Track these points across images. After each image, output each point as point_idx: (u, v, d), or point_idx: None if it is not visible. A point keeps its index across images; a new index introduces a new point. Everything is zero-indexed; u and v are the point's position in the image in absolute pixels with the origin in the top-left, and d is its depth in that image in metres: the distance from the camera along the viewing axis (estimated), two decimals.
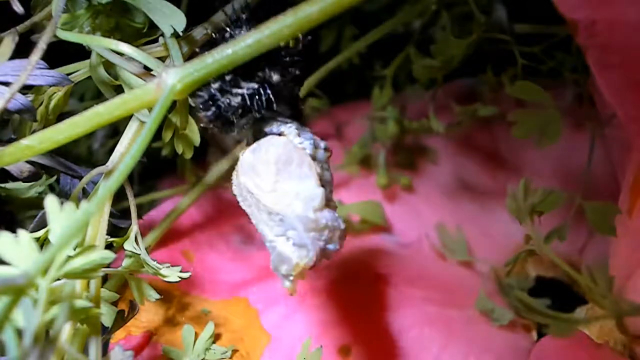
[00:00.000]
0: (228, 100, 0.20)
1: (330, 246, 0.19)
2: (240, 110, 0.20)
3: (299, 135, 0.21)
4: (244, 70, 0.20)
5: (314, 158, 0.21)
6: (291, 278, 0.19)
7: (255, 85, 0.20)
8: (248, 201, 0.21)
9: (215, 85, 0.20)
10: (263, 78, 0.20)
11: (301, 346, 0.24)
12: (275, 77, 0.20)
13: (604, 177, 0.30)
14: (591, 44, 0.20)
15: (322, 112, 0.35)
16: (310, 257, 0.19)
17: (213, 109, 0.20)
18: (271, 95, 0.20)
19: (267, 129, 0.21)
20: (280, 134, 0.21)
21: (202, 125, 0.21)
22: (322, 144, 0.21)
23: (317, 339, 0.25)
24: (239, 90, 0.20)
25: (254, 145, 0.21)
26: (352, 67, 0.35)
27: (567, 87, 0.33)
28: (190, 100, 0.23)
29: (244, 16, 0.21)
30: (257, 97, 0.20)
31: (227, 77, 0.20)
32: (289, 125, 0.21)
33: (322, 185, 0.20)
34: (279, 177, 0.20)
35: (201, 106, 0.21)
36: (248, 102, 0.20)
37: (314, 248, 0.19)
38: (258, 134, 0.22)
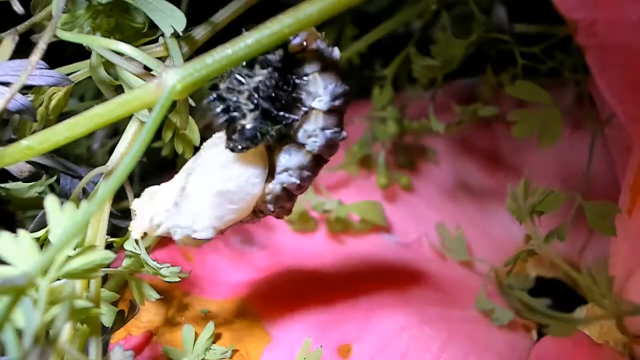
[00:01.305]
0: (235, 98, 0.20)
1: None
2: (248, 108, 0.20)
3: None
4: (247, 65, 0.20)
5: None
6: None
7: (261, 78, 0.20)
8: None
9: (223, 86, 0.20)
10: (265, 63, 0.20)
11: (301, 346, 0.24)
12: (276, 57, 0.20)
13: (604, 177, 0.30)
14: (591, 44, 0.20)
15: None
16: (137, 232, 0.21)
17: (221, 106, 0.20)
18: (278, 80, 0.20)
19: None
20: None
21: (232, 144, 0.21)
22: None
23: (317, 339, 0.25)
24: (244, 87, 0.20)
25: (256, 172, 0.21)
26: (352, 67, 0.35)
27: (567, 87, 0.33)
28: (191, 100, 0.23)
29: None
30: (262, 87, 0.20)
31: (233, 76, 0.20)
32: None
33: None
34: (215, 195, 0.21)
35: (209, 107, 0.20)
36: (255, 96, 0.20)
37: (149, 229, 0.21)
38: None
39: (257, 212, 0.22)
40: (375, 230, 0.32)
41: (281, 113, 0.20)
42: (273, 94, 0.20)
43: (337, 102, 0.21)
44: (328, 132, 0.21)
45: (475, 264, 0.31)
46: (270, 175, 0.22)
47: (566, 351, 0.24)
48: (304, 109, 0.21)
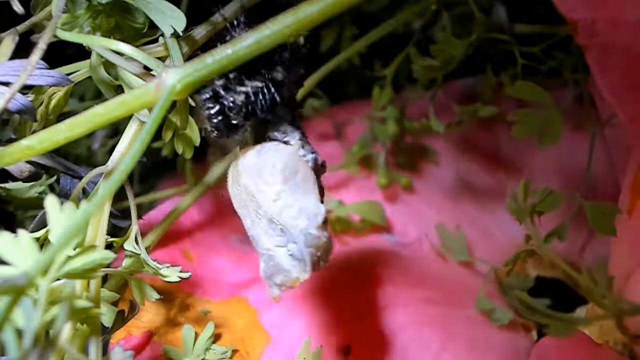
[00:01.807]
0: (232, 98, 0.20)
1: (322, 262, 0.20)
2: (244, 110, 0.20)
3: (303, 148, 0.21)
4: (248, 68, 0.20)
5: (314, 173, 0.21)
6: (283, 288, 0.20)
7: (260, 84, 0.20)
8: (246, 204, 0.21)
9: (220, 83, 0.20)
10: (267, 76, 0.20)
11: (301, 346, 0.24)
12: (280, 75, 0.20)
13: (604, 177, 0.30)
14: (591, 44, 0.20)
15: (322, 112, 0.35)
16: (308, 272, 0.19)
17: (217, 106, 0.20)
18: (276, 95, 0.20)
19: (271, 134, 0.22)
20: (285, 143, 0.21)
21: (207, 129, 0.21)
22: (320, 160, 0.22)
23: (317, 339, 0.25)
24: (243, 89, 0.20)
25: (258, 147, 0.21)
26: (352, 67, 0.35)
27: (567, 87, 0.33)
28: (191, 100, 0.23)
29: (242, 19, 0.21)
30: (261, 95, 0.20)
31: (232, 75, 0.20)
32: (294, 135, 0.21)
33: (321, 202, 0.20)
34: (285, 186, 0.20)
35: (204, 103, 0.20)
36: (252, 100, 0.20)
37: (311, 263, 0.19)
38: (260, 138, 0.22)
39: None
40: (375, 230, 0.32)
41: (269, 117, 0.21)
42: (271, 102, 0.20)
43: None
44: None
45: (475, 264, 0.31)
46: None
47: (566, 351, 0.24)
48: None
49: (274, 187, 0.20)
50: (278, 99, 0.20)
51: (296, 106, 0.22)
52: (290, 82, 0.21)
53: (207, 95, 0.20)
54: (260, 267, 0.20)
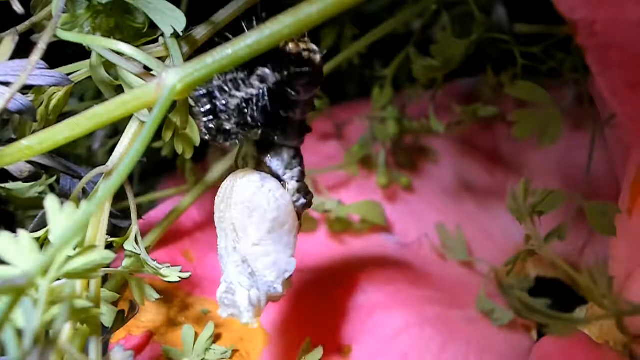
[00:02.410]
0: (225, 101, 0.20)
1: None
2: (236, 115, 0.20)
3: (298, 192, 0.22)
4: (246, 73, 0.20)
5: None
6: (225, 316, 0.21)
7: (254, 92, 0.20)
8: (226, 231, 0.21)
9: (216, 83, 0.20)
10: (262, 78, 0.20)
11: (301, 346, 0.24)
12: (273, 78, 0.20)
13: (604, 177, 0.30)
14: (591, 44, 0.20)
15: (322, 112, 0.35)
16: (256, 321, 0.21)
17: (208, 105, 0.20)
18: (268, 103, 0.20)
19: (272, 161, 0.22)
20: (283, 182, 0.22)
21: (200, 130, 0.21)
22: (309, 197, 0.23)
23: (317, 339, 0.25)
24: (238, 94, 0.20)
25: (257, 181, 0.21)
26: (352, 67, 0.35)
27: (567, 87, 0.33)
28: (191, 100, 0.23)
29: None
30: (254, 101, 0.20)
31: (229, 77, 0.20)
32: (293, 173, 0.22)
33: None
34: (269, 235, 0.21)
35: (197, 100, 0.20)
36: (244, 106, 0.20)
37: (261, 310, 0.21)
38: (263, 154, 0.22)
39: (299, 214, 0.23)
40: (375, 230, 0.32)
41: (262, 126, 0.21)
42: (262, 112, 0.20)
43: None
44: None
45: (475, 264, 0.31)
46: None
47: (566, 351, 0.24)
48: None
49: (259, 233, 0.21)
50: (269, 106, 0.20)
51: (305, 129, 0.22)
52: (304, 103, 0.22)
53: (201, 93, 0.20)
54: (219, 289, 0.21)
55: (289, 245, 0.22)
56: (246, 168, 0.22)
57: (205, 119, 0.20)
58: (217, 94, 0.20)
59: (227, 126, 0.20)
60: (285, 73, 0.20)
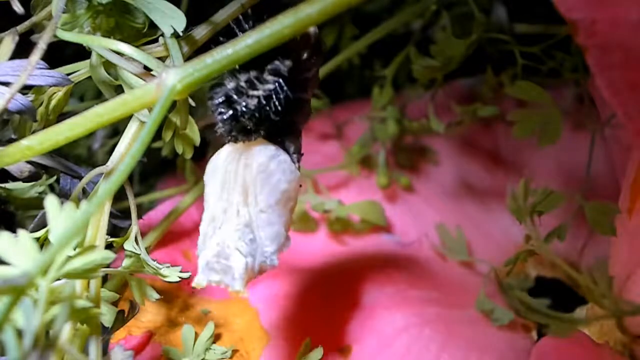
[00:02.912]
0: (245, 103, 0.20)
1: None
2: (257, 115, 0.20)
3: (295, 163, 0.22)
4: (258, 71, 0.20)
5: None
6: (211, 282, 0.20)
7: (272, 86, 0.20)
8: (230, 191, 0.21)
9: (231, 86, 0.20)
10: (275, 71, 0.20)
11: (301, 346, 0.24)
12: (286, 67, 0.20)
13: (604, 177, 0.30)
14: (591, 44, 0.20)
15: (322, 112, 0.35)
16: (244, 288, 0.20)
17: (230, 111, 0.20)
18: (288, 92, 0.20)
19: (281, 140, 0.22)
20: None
21: (221, 134, 0.21)
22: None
23: (317, 339, 0.25)
24: (255, 92, 0.20)
25: (273, 149, 0.21)
26: (352, 67, 0.35)
27: (567, 87, 0.33)
28: (191, 100, 0.23)
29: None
30: (274, 98, 0.20)
31: (243, 78, 0.20)
32: (298, 156, 0.22)
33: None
34: (277, 207, 0.21)
35: (217, 108, 0.20)
36: (264, 103, 0.20)
37: (251, 280, 0.20)
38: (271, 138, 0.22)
39: None
40: (375, 230, 0.32)
41: (285, 116, 0.21)
42: (285, 103, 0.20)
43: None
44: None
45: (475, 264, 0.31)
46: None
47: (566, 351, 0.24)
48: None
49: (268, 201, 0.21)
50: (291, 96, 0.20)
51: (310, 110, 0.22)
52: (313, 78, 0.21)
53: (220, 100, 0.20)
54: (206, 252, 0.20)
55: (288, 222, 0.21)
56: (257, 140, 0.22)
57: (228, 126, 0.20)
58: (236, 97, 0.20)
59: (249, 126, 0.20)
60: (295, 56, 0.20)
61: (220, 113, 0.20)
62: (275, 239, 0.21)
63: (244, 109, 0.20)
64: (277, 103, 0.20)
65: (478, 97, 0.34)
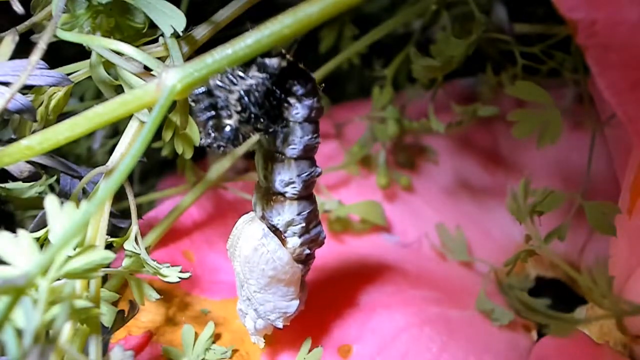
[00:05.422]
0: (225, 96, 0.20)
1: None
2: (237, 110, 0.20)
3: (300, 246, 0.23)
4: (243, 67, 0.20)
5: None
6: None
7: (254, 82, 0.20)
8: (237, 270, 0.23)
9: (213, 82, 0.20)
10: (263, 67, 0.20)
11: (301, 346, 0.24)
12: (277, 64, 0.20)
13: (604, 177, 0.30)
14: (591, 44, 0.20)
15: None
16: (262, 342, 0.24)
17: (207, 101, 0.20)
18: (272, 87, 0.20)
19: (269, 215, 0.22)
20: (283, 239, 0.23)
21: (201, 138, 0.21)
22: (313, 247, 0.24)
23: (317, 339, 0.25)
24: (236, 88, 0.20)
25: (258, 235, 0.22)
26: (352, 67, 0.35)
27: (567, 87, 0.33)
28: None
29: None
30: (254, 89, 0.20)
31: (226, 73, 0.20)
32: (294, 228, 0.22)
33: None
34: (268, 287, 0.23)
35: (196, 98, 0.20)
36: (245, 97, 0.20)
37: (267, 333, 0.24)
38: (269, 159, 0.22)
39: (305, 261, 0.23)
40: (375, 230, 0.32)
41: (265, 121, 0.20)
42: (263, 101, 0.20)
43: (313, 114, 0.21)
44: (306, 138, 0.22)
45: (475, 264, 0.31)
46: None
47: (566, 351, 0.24)
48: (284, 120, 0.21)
49: (259, 284, 0.23)
50: (277, 92, 0.20)
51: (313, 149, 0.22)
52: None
53: (200, 91, 0.20)
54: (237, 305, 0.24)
55: (289, 292, 0.23)
56: (253, 215, 0.23)
57: (205, 117, 0.20)
58: (215, 91, 0.20)
59: (230, 125, 0.20)
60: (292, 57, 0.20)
61: (200, 102, 0.20)
62: (274, 312, 0.23)
63: (223, 102, 0.20)
64: (257, 96, 0.20)
65: (478, 97, 0.34)
